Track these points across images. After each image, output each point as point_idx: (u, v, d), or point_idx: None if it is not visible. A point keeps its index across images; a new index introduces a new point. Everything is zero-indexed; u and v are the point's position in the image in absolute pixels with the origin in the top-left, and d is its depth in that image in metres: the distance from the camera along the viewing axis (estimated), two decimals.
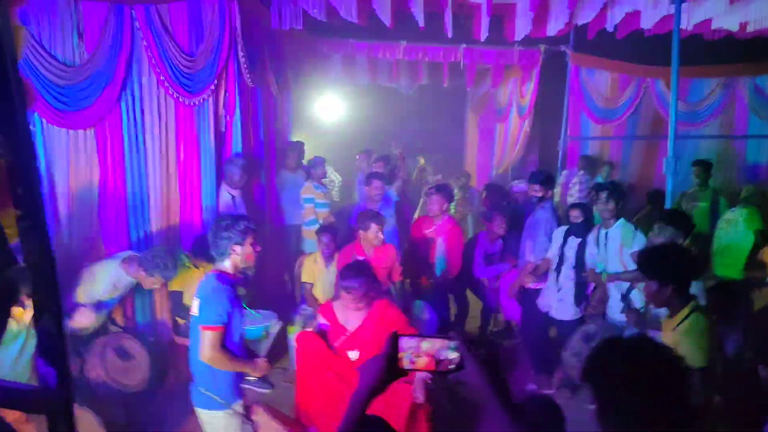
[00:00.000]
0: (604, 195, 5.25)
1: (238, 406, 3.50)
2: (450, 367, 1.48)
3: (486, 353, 1.50)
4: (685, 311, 3.13)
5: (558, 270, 5.54)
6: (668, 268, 3.16)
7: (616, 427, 1.57)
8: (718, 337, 3.88)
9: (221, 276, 3.39)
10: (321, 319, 4.37)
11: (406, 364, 1.49)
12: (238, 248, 3.40)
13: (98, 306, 4.52)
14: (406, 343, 1.49)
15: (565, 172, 9.37)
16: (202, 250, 4.86)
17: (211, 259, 5.35)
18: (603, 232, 5.29)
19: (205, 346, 3.26)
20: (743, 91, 9.73)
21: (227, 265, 3.44)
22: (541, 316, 5.68)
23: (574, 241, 5.44)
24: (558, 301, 5.52)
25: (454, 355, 1.48)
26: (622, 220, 5.23)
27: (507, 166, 11.32)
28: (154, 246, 5.09)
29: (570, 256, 5.46)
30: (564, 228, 5.64)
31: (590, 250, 5.39)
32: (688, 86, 9.83)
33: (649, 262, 3.22)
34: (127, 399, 4.47)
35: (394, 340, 1.50)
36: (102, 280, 4.47)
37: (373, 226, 5.34)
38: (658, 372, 1.57)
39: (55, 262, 0.87)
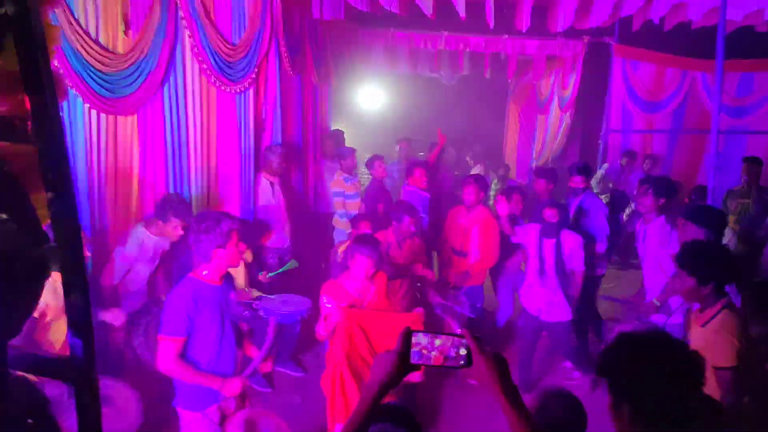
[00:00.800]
0: (642, 189, 5.19)
1: (212, 411, 3.32)
2: (460, 363, 1.52)
3: (494, 350, 1.55)
4: (716, 308, 3.11)
5: (542, 272, 5.39)
6: (711, 268, 3.12)
7: (629, 421, 1.59)
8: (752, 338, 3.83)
9: (191, 283, 3.19)
10: (326, 300, 4.32)
11: (417, 359, 1.54)
12: (220, 252, 3.15)
13: (132, 278, 4.63)
14: (418, 339, 1.54)
15: (605, 166, 9.24)
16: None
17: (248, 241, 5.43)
18: (643, 227, 5.22)
19: (159, 355, 3.10)
20: None
21: (206, 270, 3.20)
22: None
23: (548, 243, 5.32)
24: (547, 303, 5.38)
25: (463, 352, 1.52)
26: (662, 218, 5.10)
27: (547, 159, 11.19)
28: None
29: (548, 257, 5.33)
30: (536, 226, 5.48)
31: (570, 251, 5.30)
32: (736, 80, 9.57)
33: (692, 260, 3.17)
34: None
35: (407, 335, 1.55)
36: (129, 244, 4.57)
37: (406, 219, 5.39)
38: (673, 367, 1.58)
39: (82, 243, 0.94)
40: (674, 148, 10.22)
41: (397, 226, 5.45)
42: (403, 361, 1.53)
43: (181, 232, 4.60)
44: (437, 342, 1.53)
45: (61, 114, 0.86)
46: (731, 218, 6.85)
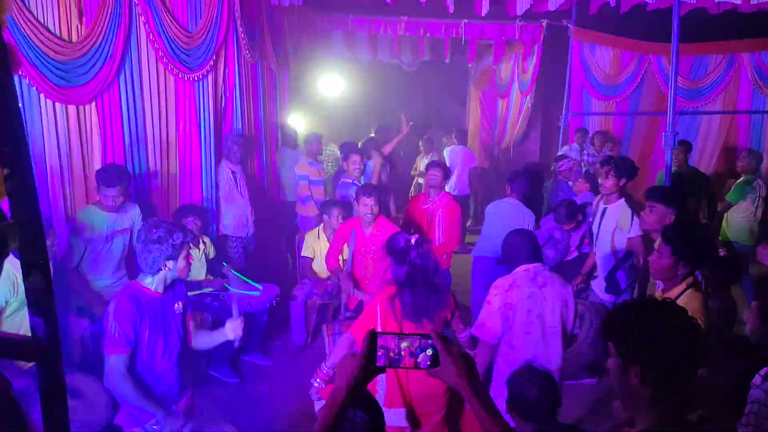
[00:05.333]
0: (603, 171, 5.24)
1: (153, 426, 3.10)
2: (427, 364, 1.51)
3: (460, 350, 1.55)
4: (682, 287, 3.15)
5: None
6: (695, 251, 3.17)
7: (639, 382, 1.68)
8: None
9: (133, 291, 3.09)
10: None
11: (382, 361, 1.52)
12: (170, 263, 3.07)
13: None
14: (384, 341, 1.52)
15: (565, 148, 9.36)
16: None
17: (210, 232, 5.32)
18: (602, 206, 5.27)
19: (107, 371, 2.95)
20: (747, 67, 9.66)
21: (150, 280, 3.10)
22: None
23: None
24: None
25: (430, 353, 1.51)
26: (623, 200, 5.13)
27: (509, 143, 11.30)
28: None
29: None
30: None
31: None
32: (690, 63, 9.77)
33: (680, 240, 3.19)
34: None
35: (372, 337, 1.52)
36: (78, 223, 4.51)
37: (363, 198, 5.22)
38: (677, 329, 1.67)
39: (42, 220, 0.91)
40: (632, 130, 10.40)
41: (358, 210, 5.31)
42: (369, 364, 1.52)
43: (120, 202, 4.49)
44: (403, 344, 1.51)
45: (14, 85, 0.83)
46: None
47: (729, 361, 2.78)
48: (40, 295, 0.89)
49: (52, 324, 0.89)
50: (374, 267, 5.23)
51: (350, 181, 6.66)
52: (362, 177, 6.80)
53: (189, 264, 3.19)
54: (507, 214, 5.82)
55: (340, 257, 5.61)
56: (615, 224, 5.03)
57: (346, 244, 5.49)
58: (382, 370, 1.54)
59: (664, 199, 4.16)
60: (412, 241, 3.47)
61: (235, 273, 5.53)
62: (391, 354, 1.51)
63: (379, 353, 1.52)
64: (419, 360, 1.52)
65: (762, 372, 2.50)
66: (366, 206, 5.19)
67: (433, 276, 3.44)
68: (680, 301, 3.08)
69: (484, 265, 5.88)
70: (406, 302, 3.38)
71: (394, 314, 3.43)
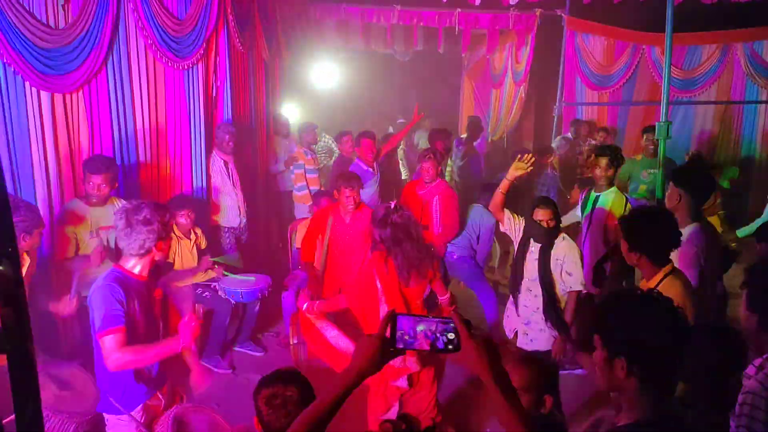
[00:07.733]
0: (604, 162, 5.20)
1: (138, 411, 3.09)
2: (448, 348, 1.46)
3: (482, 335, 1.51)
4: (660, 275, 3.13)
5: (517, 285, 4.55)
6: (640, 233, 3.14)
7: (626, 374, 1.65)
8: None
9: (117, 274, 2.95)
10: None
11: (401, 344, 1.48)
12: (161, 244, 2.96)
13: None
14: (403, 323, 1.48)
15: (559, 138, 9.34)
16: None
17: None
18: (594, 194, 5.26)
19: (105, 354, 2.82)
20: (740, 57, 9.65)
21: (134, 263, 2.98)
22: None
23: (536, 248, 4.41)
24: (525, 325, 4.54)
25: (451, 336, 1.47)
26: (614, 188, 5.17)
27: (502, 133, 11.27)
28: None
29: (532, 268, 4.45)
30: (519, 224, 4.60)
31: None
32: (684, 53, 9.75)
33: (626, 225, 3.22)
34: None
35: (391, 319, 1.48)
36: (63, 216, 4.45)
37: (345, 190, 5.11)
38: (665, 321, 1.65)
39: (10, 209, 0.88)
40: (626, 120, 10.39)
41: (338, 197, 5.20)
42: (386, 347, 1.47)
43: (105, 192, 4.39)
44: (421, 326, 1.47)
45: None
46: (642, 187, 7.03)
47: (710, 349, 2.76)
48: (10, 285, 0.85)
49: (22, 314, 0.85)
50: (351, 253, 5.16)
51: (365, 167, 6.60)
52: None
53: (169, 246, 3.16)
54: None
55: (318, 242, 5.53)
56: (608, 210, 5.07)
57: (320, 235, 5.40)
58: (402, 352, 1.50)
59: (673, 179, 3.97)
60: (391, 205, 3.83)
61: (226, 274, 5.46)
62: (407, 337, 1.47)
63: (397, 335, 1.47)
64: (438, 343, 1.46)
65: (756, 362, 2.48)
66: (348, 198, 5.10)
67: (415, 230, 3.80)
68: (660, 288, 3.07)
69: None
70: (398, 259, 3.73)
71: (391, 273, 3.78)
